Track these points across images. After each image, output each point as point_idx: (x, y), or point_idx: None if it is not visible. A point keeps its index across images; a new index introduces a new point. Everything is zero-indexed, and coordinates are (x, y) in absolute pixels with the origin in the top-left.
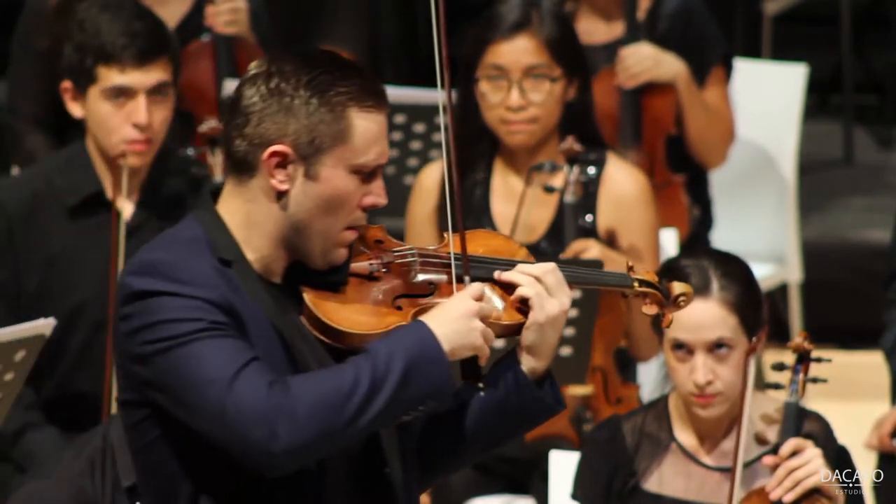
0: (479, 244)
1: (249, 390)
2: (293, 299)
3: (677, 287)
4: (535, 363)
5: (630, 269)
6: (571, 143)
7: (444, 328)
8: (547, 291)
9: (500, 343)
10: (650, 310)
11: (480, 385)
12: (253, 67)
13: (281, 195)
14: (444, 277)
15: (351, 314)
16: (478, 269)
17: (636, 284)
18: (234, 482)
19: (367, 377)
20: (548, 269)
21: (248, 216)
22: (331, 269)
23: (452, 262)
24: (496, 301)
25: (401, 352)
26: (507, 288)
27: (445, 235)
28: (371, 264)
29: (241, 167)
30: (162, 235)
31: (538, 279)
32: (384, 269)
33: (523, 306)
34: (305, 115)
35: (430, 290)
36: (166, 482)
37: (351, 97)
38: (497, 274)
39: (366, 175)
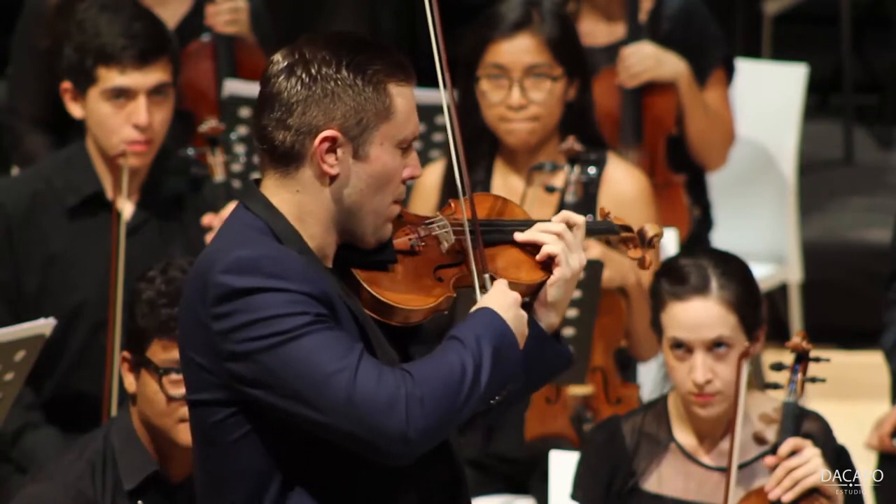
0: (484, 207)
1: (376, 378)
2: (346, 284)
3: (650, 229)
4: (553, 318)
5: (607, 215)
6: (572, 143)
7: (507, 314)
8: (568, 247)
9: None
10: (636, 253)
11: None
12: (281, 58)
13: (332, 180)
14: (470, 244)
15: (402, 290)
16: (497, 233)
17: (621, 231)
18: (322, 475)
19: (469, 362)
20: (566, 224)
21: (299, 206)
22: (379, 249)
23: (473, 229)
24: (518, 262)
25: (486, 337)
26: (527, 248)
27: (452, 203)
28: (410, 239)
29: (287, 159)
30: (230, 229)
31: (559, 236)
32: (423, 243)
33: (545, 264)
34: (352, 97)
35: (460, 258)
36: (251, 479)
37: (387, 73)
38: (517, 235)
39: (405, 149)
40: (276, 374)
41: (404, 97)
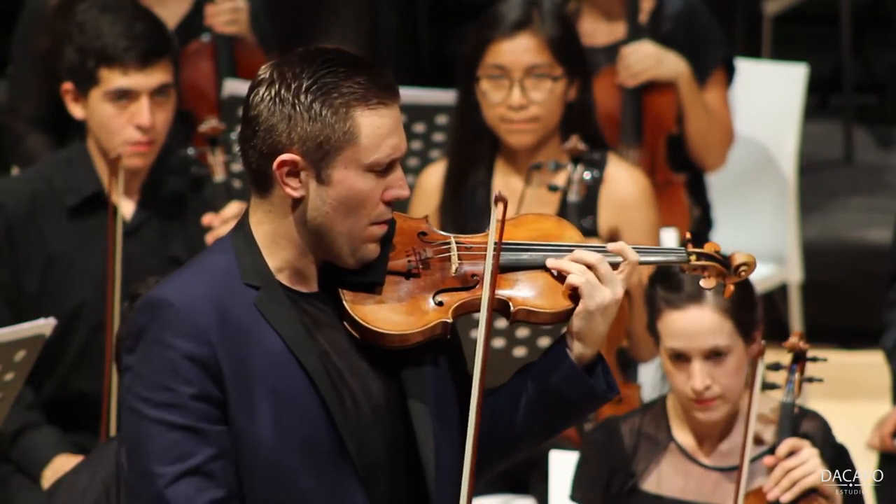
0: (529, 228)
1: (184, 501)
2: (332, 306)
3: (739, 257)
4: (583, 350)
5: (688, 242)
6: (576, 143)
7: None
8: (599, 279)
9: (520, 352)
10: (708, 283)
11: None
12: (260, 73)
13: (297, 202)
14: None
15: (389, 314)
16: (525, 257)
17: (693, 258)
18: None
19: None
20: (598, 259)
21: (272, 228)
22: (369, 269)
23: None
24: (544, 289)
25: None
26: (559, 275)
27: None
28: (409, 261)
29: (258, 179)
30: (193, 260)
31: (592, 266)
32: (422, 266)
33: (574, 293)
34: (309, 121)
35: (474, 281)
36: None
37: (355, 97)
38: (549, 262)
39: (382, 171)
40: (124, 430)
41: (377, 119)
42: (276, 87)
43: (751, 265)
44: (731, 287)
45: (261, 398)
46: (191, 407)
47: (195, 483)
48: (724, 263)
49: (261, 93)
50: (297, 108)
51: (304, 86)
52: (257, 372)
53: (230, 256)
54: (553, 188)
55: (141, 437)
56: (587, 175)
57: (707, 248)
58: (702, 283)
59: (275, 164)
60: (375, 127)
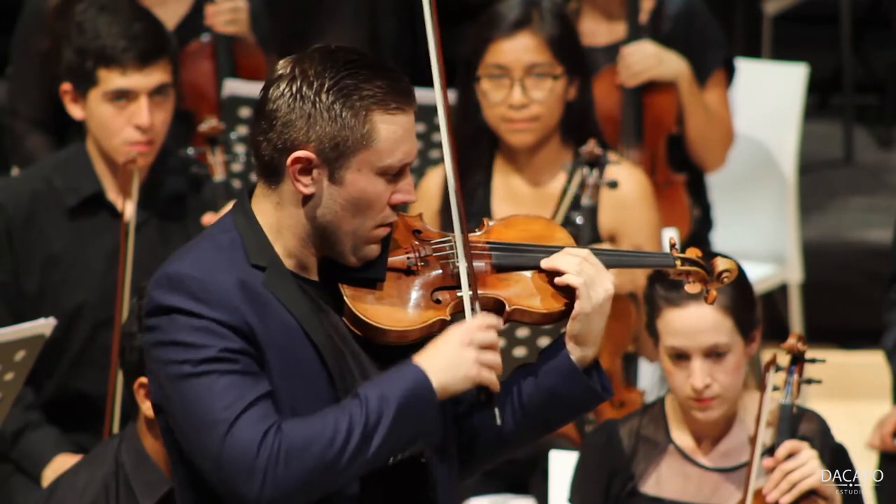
0: (520, 229)
1: (245, 440)
2: (332, 297)
3: (721, 263)
4: (583, 351)
5: (673, 246)
6: (592, 147)
7: (433, 363)
8: (593, 278)
9: (520, 352)
10: (693, 288)
11: (496, 414)
12: (279, 68)
13: (307, 199)
14: (483, 266)
15: (389, 310)
16: (520, 258)
17: (678, 263)
18: None
19: (359, 427)
20: (586, 254)
21: (277, 219)
22: (369, 265)
23: (457, 252)
24: (537, 289)
25: (393, 396)
26: (552, 275)
27: (485, 221)
28: (409, 258)
29: (268, 172)
30: (198, 239)
31: (584, 258)
32: (422, 263)
33: (565, 294)
34: (328, 121)
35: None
36: (189, 489)
37: (375, 101)
38: (544, 262)
39: (393, 175)
40: (173, 403)
41: (394, 125)
42: (298, 83)
43: (733, 271)
44: (714, 293)
45: (279, 368)
46: (233, 358)
47: (256, 413)
48: (706, 269)
49: (281, 87)
50: (318, 107)
51: (327, 85)
52: (276, 341)
53: (234, 235)
54: (612, 185)
55: (191, 397)
56: (601, 179)
57: (689, 254)
58: (687, 288)
59: (289, 160)
60: (392, 132)
